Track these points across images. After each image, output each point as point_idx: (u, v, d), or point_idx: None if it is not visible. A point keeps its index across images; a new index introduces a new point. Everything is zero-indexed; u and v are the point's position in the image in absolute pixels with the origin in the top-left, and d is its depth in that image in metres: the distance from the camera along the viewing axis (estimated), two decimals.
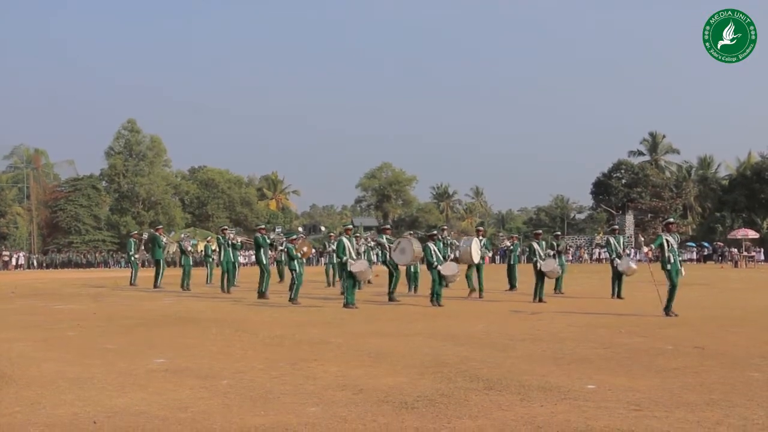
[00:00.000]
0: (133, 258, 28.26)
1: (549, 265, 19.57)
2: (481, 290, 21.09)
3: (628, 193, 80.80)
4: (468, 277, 21.74)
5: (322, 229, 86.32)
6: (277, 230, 21.95)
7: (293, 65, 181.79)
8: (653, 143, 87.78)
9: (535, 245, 19.84)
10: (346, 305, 17.64)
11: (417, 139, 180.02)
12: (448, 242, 22.68)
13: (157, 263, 27.02)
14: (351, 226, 19.97)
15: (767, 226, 70.73)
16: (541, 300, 19.08)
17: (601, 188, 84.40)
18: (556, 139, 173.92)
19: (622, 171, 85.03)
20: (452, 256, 20.34)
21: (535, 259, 19.67)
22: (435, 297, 18.28)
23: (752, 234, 61.02)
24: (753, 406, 6.93)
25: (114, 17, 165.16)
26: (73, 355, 10.33)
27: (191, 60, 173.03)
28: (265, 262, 21.23)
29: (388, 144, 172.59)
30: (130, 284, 27.29)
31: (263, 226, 24.21)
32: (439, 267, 18.36)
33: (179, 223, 76.64)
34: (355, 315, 16.28)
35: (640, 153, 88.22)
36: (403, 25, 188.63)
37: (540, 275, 19.40)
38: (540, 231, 21.40)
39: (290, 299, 19.05)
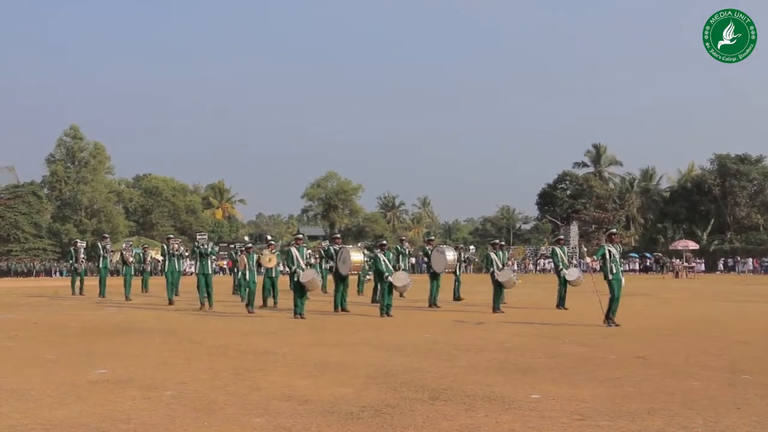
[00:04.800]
0: (74, 267, 27.96)
1: (505, 275, 19.63)
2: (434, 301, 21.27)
3: (572, 204, 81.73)
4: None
5: (269, 238, 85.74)
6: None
7: (240, 69, 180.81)
8: (597, 155, 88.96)
9: (493, 255, 19.91)
10: (294, 315, 17.65)
11: (364, 147, 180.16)
12: (407, 253, 22.71)
13: (99, 272, 26.98)
14: (301, 236, 19.88)
15: (707, 237, 72.13)
16: (498, 310, 19.19)
17: (547, 199, 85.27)
18: (502, 149, 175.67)
19: (567, 182, 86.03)
20: (401, 266, 20.40)
21: (492, 269, 19.73)
22: (385, 308, 18.28)
23: (692, 245, 62.20)
24: (692, 414, 7.05)
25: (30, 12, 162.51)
26: (11, 366, 10.11)
27: (130, 62, 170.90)
28: (206, 272, 20.87)
29: (334, 152, 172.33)
30: (72, 293, 27.06)
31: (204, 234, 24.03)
32: (390, 278, 18.38)
33: (122, 231, 75.52)
34: (301, 325, 16.22)
35: (585, 164, 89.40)
36: (348, 28, 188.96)
37: (497, 285, 19.49)
38: (497, 241, 21.46)
39: (250, 310, 19.26)
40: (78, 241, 30.12)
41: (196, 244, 21.29)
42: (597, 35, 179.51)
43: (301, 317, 17.57)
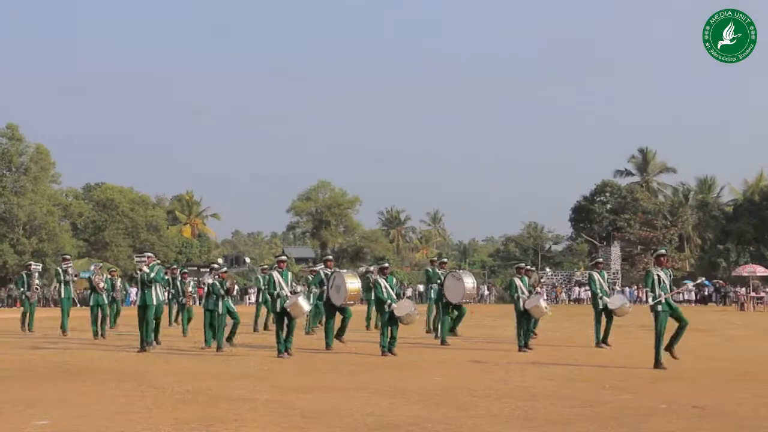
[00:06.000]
0: (25, 296, 27.21)
1: (534, 301, 19.64)
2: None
3: (613, 221, 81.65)
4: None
5: (247, 260, 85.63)
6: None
7: (211, 60, 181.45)
8: (644, 161, 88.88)
9: (517, 281, 19.94)
10: (279, 353, 17.73)
11: (362, 152, 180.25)
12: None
13: (61, 302, 26.09)
14: (285, 258, 19.90)
15: None
16: (526, 347, 19.19)
17: (582, 214, 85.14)
18: (528, 154, 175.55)
19: (607, 194, 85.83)
20: (408, 293, 20.47)
21: (516, 294, 19.73)
22: (385, 344, 18.32)
23: (761, 271, 61.58)
24: None
25: None
26: None
27: (79, 51, 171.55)
28: (148, 303, 19.68)
29: (327, 158, 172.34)
30: (24, 329, 26.19)
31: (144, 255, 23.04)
32: (393, 306, 18.40)
33: (69, 252, 75.45)
34: (285, 365, 16.22)
35: (629, 173, 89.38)
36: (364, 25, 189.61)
37: (523, 316, 19.49)
38: (523, 264, 21.54)
39: (218, 347, 19.23)
40: (32, 263, 29.20)
41: (137, 269, 20.06)
42: (648, 24, 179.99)
43: (288, 354, 17.58)
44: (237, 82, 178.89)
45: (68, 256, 28.65)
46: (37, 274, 27.74)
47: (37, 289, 27.39)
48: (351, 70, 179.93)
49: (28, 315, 26.82)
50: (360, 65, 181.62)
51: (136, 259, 20.41)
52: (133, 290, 45.97)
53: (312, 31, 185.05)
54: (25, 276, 27.44)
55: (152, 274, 19.50)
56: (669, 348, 15.72)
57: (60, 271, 26.44)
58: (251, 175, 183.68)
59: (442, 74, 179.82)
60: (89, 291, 25.21)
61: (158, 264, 20.58)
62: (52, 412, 10.32)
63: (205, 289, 20.04)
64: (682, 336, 15.79)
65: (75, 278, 27.02)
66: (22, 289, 27.53)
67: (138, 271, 19.71)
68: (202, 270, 51.62)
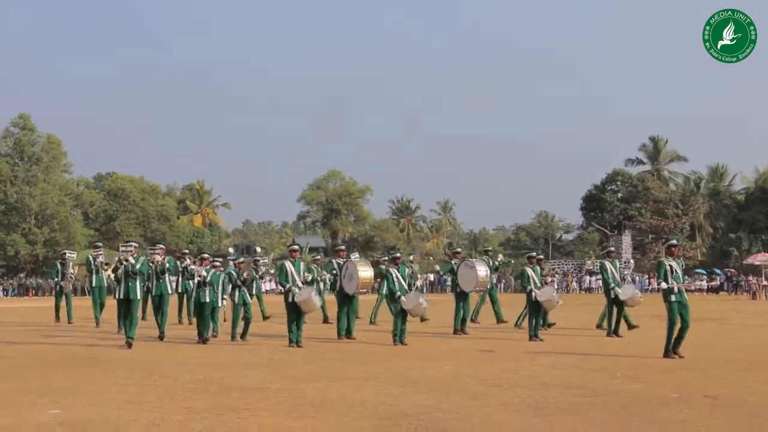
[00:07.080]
0: (59, 286, 26.48)
1: (546, 293, 19.64)
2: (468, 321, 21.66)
3: (624, 210, 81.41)
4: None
5: (258, 249, 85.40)
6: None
7: (220, 46, 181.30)
8: (654, 150, 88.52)
9: (529, 271, 19.93)
10: (290, 343, 17.75)
11: (372, 140, 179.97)
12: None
13: (91, 292, 25.71)
14: (297, 247, 19.83)
15: None
16: (536, 337, 19.19)
17: (593, 203, 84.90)
18: (538, 142, 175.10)
19: (618, 183, 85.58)
20: (418, 284, 20.42)
21: (529, 287, 19.72)
22: (398, 334, 18.32)
23: None
24: None
25: None
26: None
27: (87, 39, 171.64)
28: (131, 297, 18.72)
29: (337, 146, 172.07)
30: (57, 320, 25.78)
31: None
32: (403, 299, 18.38)
33: (81, 241, 75.51)
34: (296, 355, 16.23)
35: (640, 161, 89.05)
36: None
37: (535, 307, 19.50)
38: (534, 254, 21.53)
39: (233, 337, 19.29)
40: (66, 252, 28.30)
41: (121, 259, 18.84)
42: (664, 13, 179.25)
43: (298, 346, 17.60)
44: (244, 74, 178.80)
45: (100, 244, 27.87)
46: (71, 263, 27.04)
47: (71, 278, 26.65)
48: (357, 64, 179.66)
49: (64, 305, 26.18)
50: (365, 59, 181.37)
51: (122, 248, 19.66)
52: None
53: (314, 28, 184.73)
54: (59, 265, 26.76)
55: (138, 266, 18.56)
56: (674, 348, 15.61)
57: (90, 259, 25.67)
58: (262, 164, 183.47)
59: (447, 66, 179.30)
60: (114, 282, 24.48)
61: (157, 255, 20.51)
62: (64, 401, 10.34)
63: (196, 280, 19.55)
64: (685, 337, 15.60)
65: (105, 266, 26.32)
66: (56, 278, 26.81)
67: (123, 262, 18.58)
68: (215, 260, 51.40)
